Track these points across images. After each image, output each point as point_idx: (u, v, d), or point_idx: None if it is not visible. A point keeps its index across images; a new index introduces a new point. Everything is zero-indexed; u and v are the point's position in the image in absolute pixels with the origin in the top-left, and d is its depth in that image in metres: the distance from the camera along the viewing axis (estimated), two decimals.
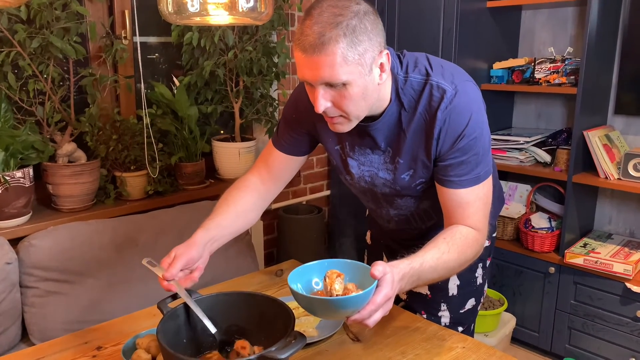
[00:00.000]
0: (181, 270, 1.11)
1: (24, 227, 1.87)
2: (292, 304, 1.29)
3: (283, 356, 0.86)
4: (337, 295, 0.96)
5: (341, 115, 1.07)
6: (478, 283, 1.42)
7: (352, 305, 0.93)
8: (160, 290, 1.56)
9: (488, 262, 1.46)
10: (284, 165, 1.35)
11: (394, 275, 0.97)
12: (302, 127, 1.31)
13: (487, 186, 1.17)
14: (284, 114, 1.34)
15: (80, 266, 1.81)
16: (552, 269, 2.40)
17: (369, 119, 1.15)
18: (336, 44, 0.96)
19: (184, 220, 2.07)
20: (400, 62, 1.15)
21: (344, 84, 1.00)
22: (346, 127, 1.10)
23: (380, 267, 0.95)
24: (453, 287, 1.38)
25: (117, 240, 1.90)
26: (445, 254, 1.09)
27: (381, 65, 1.05)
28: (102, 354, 1.17)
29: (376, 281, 0.95)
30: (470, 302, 1.41)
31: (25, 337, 1.78)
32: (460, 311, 1.40)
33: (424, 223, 1.35)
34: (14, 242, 1.79)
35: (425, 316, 1.37)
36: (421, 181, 1.20)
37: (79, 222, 1.91)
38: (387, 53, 1.05)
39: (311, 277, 1.05)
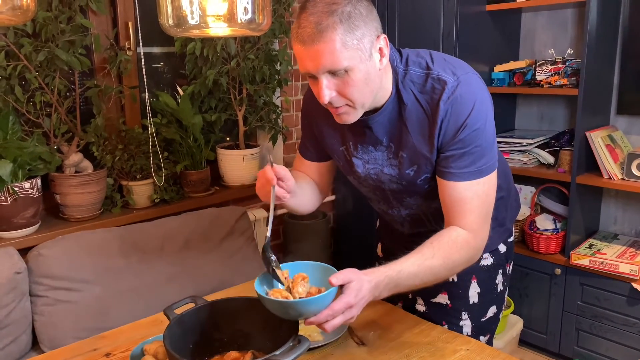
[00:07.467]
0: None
1: (32, 237, 1.90)
2: None
3: None
4: (299, 297, 1.00)
5: (347, 105, 1.07)
6: (499, 290, 1.40)
7: (305, 308, 0.96)
8: (166, 297, 1.57)
9: (508, 269, 1.43)
10: (315, 172, 1.37)
11: (361, 284, 0.99)
12: (312, 132, 1.32)
13: (489, 184, 1.15)
14: (301, 122, 1.36)
15: (88, 274, 1.83)
16: (558, 271, 2.40)
17: (370, 112, 1.14)
18: (334, 31, 0.97)
19: (190, 228, 2.09)
20: (400, 56, 1.15)
21: (346, 71, 1.01)
22: (352, 116, 1.09)
23: (341, 276, 0.98)
24: (474, 295, 1.35)
25: (125, 248, 1.92)
26: (428, 259, 1.08)
27: (380, 50, 1.05)
28: None
29: (334, 288, 0.97)
30: (492, 310, 1.39)
31: (35, 345, 1.80)
32: (482, 319, 1.38)
33: (439, 225, 1.31)
34: (23, 251, 1.82)
35: (446, 326, 1.33)
36: (426, 176, 1.19)
37: (87, 231, 1.94)
38: (385, 37, 1.05)
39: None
